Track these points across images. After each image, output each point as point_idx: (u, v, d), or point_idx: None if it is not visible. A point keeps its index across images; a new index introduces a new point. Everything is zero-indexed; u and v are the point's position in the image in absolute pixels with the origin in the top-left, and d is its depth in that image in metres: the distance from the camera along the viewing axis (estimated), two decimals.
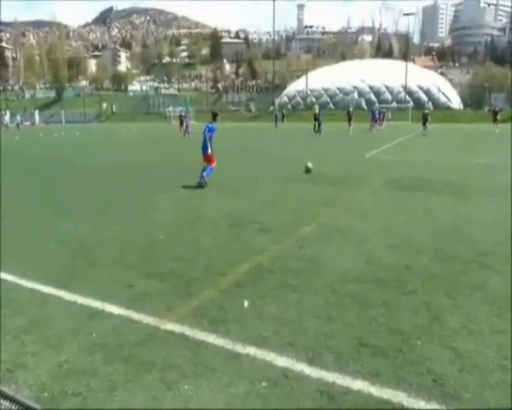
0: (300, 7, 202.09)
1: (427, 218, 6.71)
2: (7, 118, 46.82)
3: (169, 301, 3.96)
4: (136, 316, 3.67)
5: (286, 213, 7.16)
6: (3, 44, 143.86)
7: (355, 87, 57.00)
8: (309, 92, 58.88)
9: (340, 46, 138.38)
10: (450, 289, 4.03)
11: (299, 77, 73.22)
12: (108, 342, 3.28)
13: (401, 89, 52.25)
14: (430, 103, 52.55)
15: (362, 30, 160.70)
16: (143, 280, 4.45)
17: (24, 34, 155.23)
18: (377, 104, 43.76)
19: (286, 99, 62.89)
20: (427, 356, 2.98)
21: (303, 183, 10.07)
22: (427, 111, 29.21)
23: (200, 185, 9.53)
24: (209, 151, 9.65)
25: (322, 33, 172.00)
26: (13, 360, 3.07)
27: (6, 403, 2.58)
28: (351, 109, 28.80)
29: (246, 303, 3.82)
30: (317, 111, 28.82)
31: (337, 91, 57.98)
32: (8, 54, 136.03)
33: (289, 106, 60.41)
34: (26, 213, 7.62)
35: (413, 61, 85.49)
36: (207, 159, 9.69)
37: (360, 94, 56.04)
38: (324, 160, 14.27)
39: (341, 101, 52.21)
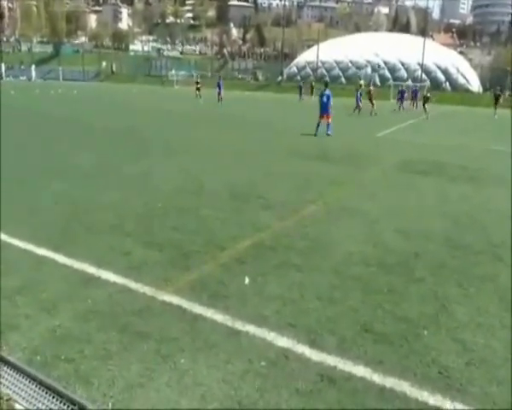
0: None
1: (438, 204, 6.65)
2: (1, 70, 46.07)
3: (167, 271, 3.95)
4: (133, 285, 3.66)
5: (291, 190, 7.09)
6: None
7: (368, 61, 55.85)
8: (320, 64, 57.73)
9: (355, 17, 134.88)
10: (460, 279, 4.01)
11: (309, 47, 71.63)
12: (104, 309, 3.28)
13: (417, 66, 51.21)
14: (447, 83, 51.67)
15: (378, 1, 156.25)
16: (141, 249, 4.42)
17: None
18: (410, 82, 41.51)
19: (295, 69, 61.73)
20: (433, 347, 2.98)
21: (310, 159, 9.96)
22: (428, 94, 27.02)
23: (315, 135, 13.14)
24: (330, 111, 13.58)
25: (337, 2, 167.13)
26: (5, 321, 3.07)
27: None
28: (372, 87, 25.67)
29: (246, 280, 3.80)
30: (363, 83, 25.37)
31: (349, 65, 56.84)
32: (4, 3, 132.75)
33: (298, 77, 59.33)
34: (21, 173, 7.55)
35: (431, 37, 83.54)
36: (326, 117, 13.54)
37: (374, 69, 54.96)
38: (333, 137, 14.07)
39: (354, 75, 51.18)
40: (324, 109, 13.61)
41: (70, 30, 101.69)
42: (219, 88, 27.75)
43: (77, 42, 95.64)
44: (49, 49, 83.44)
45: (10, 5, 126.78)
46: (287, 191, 6.97)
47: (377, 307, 3.47)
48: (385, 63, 54.86)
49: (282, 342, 2.98)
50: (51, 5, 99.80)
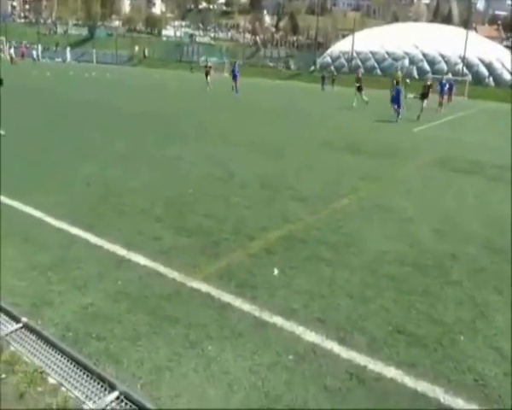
0: None
1: (477, 204, 6.42)
2: (37, 52, 47.70)
3: (196, 258, 3.98)
4: (162, 269, 3.72)
5: (323, 183, 7.00)
6: None
7: (406, 53, 54.17)
8: (355, 55, 56.53)
9: (393, 6, 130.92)
10: (500, 285, 3.86)
11: (344, 36, 70.19)
12: (134, 291, 3.35)
13: (459, 60, 49.33)
14: (491, 79, 49.60)
15: None
16: (170, 234, 4.48)
17: None
18: (450, 75, 39.19)
19: (329, 59, 60.65)
20: (469, 353, 2.89)
21: (343, 152, 9.81)
22: (429, 83, 23.64)
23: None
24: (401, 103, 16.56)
25: None
26: (39, 295, 3.18)
27: (33, 337, 2.70)
28: (429, 83, 21.56)
29: (276, 271, 3.79)
30: (399, 77, 22.99)
31: (386, 56, 55.32)
32: None
33: (332, 67, 58.27)
34: (55, 154, 7.78)
35: (475, 29, 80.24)
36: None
37: (412, 61, 53.26)
38: (368, 131, 13.81)
39: (390, 67, 49.86)
40: (397, 102, 16.67)
41: (104, 14, 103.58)
42: (235, 76, 24.50)
43: (111, 26, 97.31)
44: (84, 32, 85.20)
45: None
46: (318, 184, 6.89)
47: (411, 308, 3.39)
48: (424, 55, 53.16)
49: (311, 336, 2.96)
50: None
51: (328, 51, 63.31)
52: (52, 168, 6.75)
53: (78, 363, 2.50)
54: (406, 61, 53.49)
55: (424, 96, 18.46)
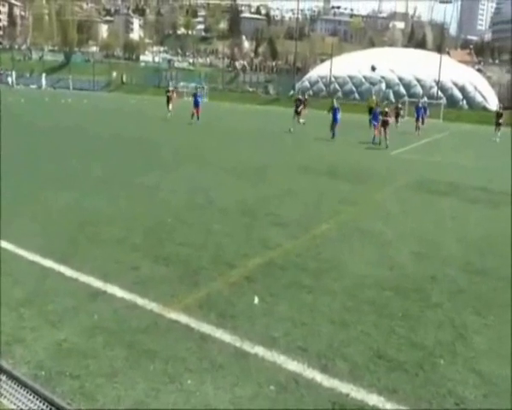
0: None
1: (455, 226, 6.61)
2: (12, 78, 47.51)
3: (175, 288, 3.97)
4: (139, 301, 3.69)
5: (302, 208, 7.11)
6: (12, 1, 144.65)
7: (383, 77, 56.12)
8: (333, 79, 58.19)
9: (369, 31, 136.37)
10: (479, 306, 3.96)
11: (322, 61, 72.31)
12: (110, 325, 3.30)
13: (433, 83, 51.35)
14: (464, 101, 51.64)
15: (394, 15, 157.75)
16: (148, 263, 4.46)
17: None
18: (425, 99, 40.57)
19: (307, 84, 62.21)
20: (449, 377, 2.94)
21: (321, 176, 10.00)
22: (400, 105, 25.86)
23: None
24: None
25: (351, 16, 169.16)
26: (11, 332, 3.11)
27: (3, 377, 2.63)
28: (400, 105, 25.86)
29: (256, 300, 3.81)
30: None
31: (363, 80, 57.19)
32: (17, 11, 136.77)
33: (310, 91, 59.73)
34: (30, 182, 7.69)
35: (448, 53, 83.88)
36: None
37: (388, 85, 55.20)
38: (345, 154, 14.13)
39: (367, 91, 51.44)
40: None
41: (81, 39, 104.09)
42: (196, 102, 21.25)
43: (88, 51, 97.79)
44: (60, 57, 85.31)
45: (23, 13, 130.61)
46: (297, 208, 6.99)
47: (391, 332, 3.45)
48: (400, 79, 55.16)
49: (292, 365, 2.97)
50: (63, 14, 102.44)
51: (307, 76, 65.00)
52: (26, 197, 6.66)
53: (50, 403, 2.45)
54: (383, 85, 55.34)
55: (384, 123, 16.69)
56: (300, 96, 22.29)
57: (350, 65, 59.84)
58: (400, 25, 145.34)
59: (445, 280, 4.51)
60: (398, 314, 3.73)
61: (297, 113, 20.37)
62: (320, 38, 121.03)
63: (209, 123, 22.37)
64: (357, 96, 54.07)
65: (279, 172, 10.26)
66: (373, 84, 55.10)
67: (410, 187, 9.45)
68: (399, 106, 25.98)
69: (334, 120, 17.81)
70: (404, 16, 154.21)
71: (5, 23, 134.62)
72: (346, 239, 5.66)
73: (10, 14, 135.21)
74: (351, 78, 58.44)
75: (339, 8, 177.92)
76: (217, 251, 4.93)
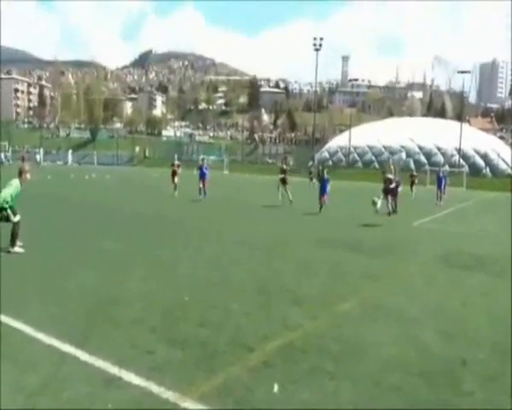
0: (345, 58, 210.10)
1: (485, 303, 6.44)
2: (39, 156, 50.79)
3: (191, 374, 3.95)
4: (155, 388, 3.67)
5: (321, 284, 7.08)
6: (43, 83, 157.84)
7: (403, 146, 57.33)
8: (352, 149, 59.69)
9: (388, 101, 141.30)
10: None
11: (341, 132, 74.73)
12: None
13: (455, 152, 52.00)
14: (488, 169, 51.77)
15: (412, 85, 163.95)
16: (164, 347, 4.47)
17: (63, 73, 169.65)
18: (447, 167, 40.46)
19: (327, 154, 63.95)
20: None
21: (341, 250, 10.00)
22: (415, 173, 26.53)
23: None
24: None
25: (368, 87, 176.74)
26: None
27: None
28: (415, 173, 26.54)
29: (276, 387, 3.74)
30: (325, 175, 20.34)
31: (383, 150, 58.43)
32: (47, 92, 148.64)
33: (330, 162, 61.23)
34: (48, 260, 7.96)
35: (468, 122, 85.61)
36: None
37: (408, 154, 56.18)
38: (366, 225, 14.15)
39: (387, 160, 52.34)
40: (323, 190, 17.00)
41: (106, 116, 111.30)
42: (203, 174, 20.02)
43: (112, 128, 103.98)
44: (86, 134, 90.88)
45: (52, 94, 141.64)
46: (317, 285, 6.97)
47: None
48: (420, 148, 56.13)
49: None
50: (90, 93, 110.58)
51: (326, 146, 66.99)
52: (47, 275, 6.87)
53: None
54: (403, 155, 56.27)
55: (387, 191, 15.61)
56: (285, 166, 20.62)
57: (369, 135, 61.61)
58: (418, 94, 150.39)
59: (477, 364, 4.34)
60: (428, 404, 3.59)
61: (283, 182, 19.47)
62: (338, 110, 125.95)
63: (225, 195, 22.97)
64: (376, 165, 54.95)
65: (294, 246, 10.32)
66: (393, 153, 56.18)
67: (435, 260, 9.33)
68: (414, 174, 26.33)
69: (323, 190, 16.85)
70: (422, 86, 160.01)
71: (35, 103, 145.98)
72: (369, 318, 5.56)
73: (41, 95, 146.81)
74: (370, 147, 59.86)
75: (356, 80, 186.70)
76: (235, 333, 4.91)
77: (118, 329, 4.90)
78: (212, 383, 3.80)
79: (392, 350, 4.60)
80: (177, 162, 23.19)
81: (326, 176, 17.40)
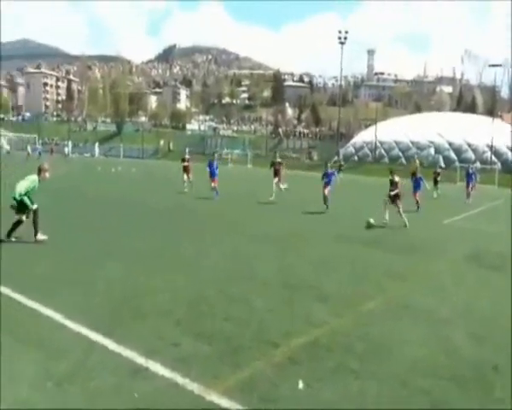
0: (371, 52, 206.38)
1: None
2: (68, 148, 52.17)
3: (216, 367, 3.98)
4: (180, 380, 3.72)
5: (346, 281, 7.02)
6: (71, 77, 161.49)
7: (431, 142, 55.97)
8: (378, 144, 58.72)
9: (415, 96, 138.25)
10: None
11: (367, 126, 73.58)
12: (149, 405, 3.34)
13: (486, 148, 50.46)
14: None
15: (440, 80, 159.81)
16: (190, 340, 4.52)
17: (90, 68, 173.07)
18: (478, 164, 38.93)
19: (352, 149, 63.10)
20: None
21: (366, 247, 9.86)
22: (438, 170, 24.98)
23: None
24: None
25: (395, 81, 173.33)
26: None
27: None
28: (439, 170, 25.18)
29: (300, 384, 3.73)
30: (417, 167, 22.55)
31: (410, 145, 57.22)
32: (75, 86, 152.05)
33: (355, 157, 60.45)
34: (77, 252, 8.15)
35: (501, 117, 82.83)
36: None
37: (437, 150, 54.81)
38: (392, 223, 13.93)
39: (415, 156, 51.29)
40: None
41: (132, 110, 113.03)
42: (212, 173, 18.18)
43: (137, 121, 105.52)
44: (113, 128, 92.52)
45: (79, 88, 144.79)
46: (342, 282, 6.91)
47: None
48: (449, 144, 54.74)
49: None
50: (116, 87, 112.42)
51: (352, 141, 66.04)
52: (74, 266, 7.05)
53: None
54: (432, 150, 54.99)
55: (391, 198, 13.00)
56: (279, 159, 18.82)
57: (396, 130, 60.38)
58: (448, 89, 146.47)
59: (509, 370, 4.21)
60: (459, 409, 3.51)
61: (276, 175, 17.93)
62: (364, 104, 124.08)
63: (243, 191, 22.99)
64: (403, 161, 53.87)
65: (315, 241, 10.25)
66: (421, 149, 54.98)
67: (465, 259, 9.10)
68: (438, 171, 25.17)
69: (327, 183, 15.58)
70: (451, 80, 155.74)
71: (64, 97, 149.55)
72: (396, 317, 5.48)
73: (68, 89, 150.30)
74: (397, 143, 58.69)
75: (382, 73, 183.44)
76: (259, 328, 4.92)
77: (144, 321, 4.98)
78: (237, 378, 3.83)
79: (420, 351, 4.52)
80: (187, 156, 20.92)
81: (330, 170, 16.37)
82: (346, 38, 57.93)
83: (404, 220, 12.65)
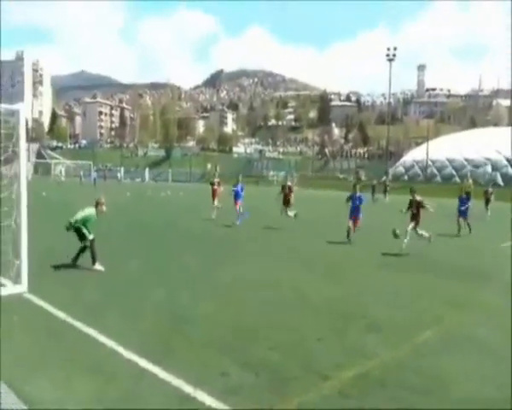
0: (421, 68, 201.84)
1: None
2: (120, 174, 54.84)
3: (264, 399, 3.94)
4: None
5: (399, 310, 6.76)
6: (123, 105, 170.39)
7: (488, 159, 53.46)
8: (430, 163, 56.85)
9: (470, 111, 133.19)
10: None
11: (417, 145, 71.60)
12: None
13: None
14: None
15: (497, 92, 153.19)
16: (237, 369, 4.52)
17: (141, 95, 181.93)
18: None
19: (402, 169, 61.54)
20: None
21: (419, 273, 9.47)
22: (490, 189, 23.30)
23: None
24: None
25: (448, 96, 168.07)
26: None
27: None
28: (491, 189, 23.88)
29: None
30: (470, 186, 23.34)
31: (465, 163, 54.92)
32: (127, 114, 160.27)
33: (405, 177, 58.86)
34: (126, 277, 8.44)
35: None
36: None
37: (495, 167, 52.22)
38: (446, 247, 13.33)
39: (470, 174, 49.13)
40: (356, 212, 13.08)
41: (180, 135, 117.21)
42: (237, 195, 16.88)
43: (186, 146, 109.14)
44: (162, 153, 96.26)
45: (132, 115, 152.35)
46: (394, 311, 6.66)
47: None
48: (508, 160, 51.97)
49: None
50: (165, 113, 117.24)
51: (401, 160, 64.51)
52: (126, 293, 7.29)
53: None
54: (488, 168, 52.46)
55: (413, 217, 11.84)
56: (289, 183, 17.22)
57: (449, 147, 58.35)
58: (505, 102, 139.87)
59: None
60: None
61: (286, 202, 16.27)
62: (414, 122, 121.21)
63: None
64: (457, 179, 51.71)
65: (361, 268, 9.96)
66: (476, 166, 52.61)
67: None
68: (489, 190, 23.56)
69: (353, 211, 13.05)
70: (508, 93, 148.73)
71: (117, 125, 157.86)
72: (454, 350, 5.19)
73: (121, 117, 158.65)
74: (450, 161, 56.57)
75: (434, 89, 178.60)
76: (308, 358, 4.84)
77: (191, 348, 5.04)
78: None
79: (483, 389, 4.24)
80: (217, 180, 19.19)
81: (358, 193, 13.27)
82: (394, 55, 57.32)
83: (423, 235, 11.79)
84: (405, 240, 11.52)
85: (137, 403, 3.82)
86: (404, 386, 4.24)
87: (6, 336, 5.23)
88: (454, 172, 55.03)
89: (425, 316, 6.48)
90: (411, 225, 11.78)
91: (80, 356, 4.74)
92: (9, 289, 6.90)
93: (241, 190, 17.04)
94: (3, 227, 6.86)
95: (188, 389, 4.07)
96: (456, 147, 57.24)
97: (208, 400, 3.89)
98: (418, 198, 11.90)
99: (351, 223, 12.97)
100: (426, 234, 11.89)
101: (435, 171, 56.93)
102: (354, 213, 13.01)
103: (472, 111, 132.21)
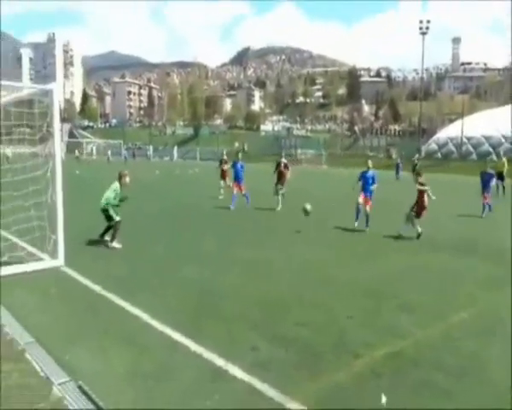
0: (456, 40, 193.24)
1: None
2: (149, 152, 55.61)
3: (294, 374, 3.97)
4: (258, 385, 3.76)
5: (433, 290, 6.61)
6: (151, 84, 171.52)
7: None
8: (465, 140, 54.84)
9: (508, 85, 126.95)
10: None
11: (452, 121, 69.07)
12: (230, 408, 3.42)
13: None
14: None
15: None
16: (266, 344, 4.55)
17: (168, 74, 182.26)
18: None
19: (435, 146, 59.63)
20: None
21: (451, 254, 9.21)
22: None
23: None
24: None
25: (484, 70, 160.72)
26: (140, 406, 3.41)
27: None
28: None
29: (383, 399, 3.59)
30: (504, 165, 21.51)
31: (502, 140, 52.67)
32: (155, 93, 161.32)
33: (439, 154, 57.11)
34: (159, 254, 8.58)
35: None
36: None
37: None
38: (485, 226, 12.92)
39: (509, 151, 47.07)
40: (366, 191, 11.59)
41: (208, 113, 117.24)
42: (238, 178, 15.67)
43: (213, 124, 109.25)
44: (190, 131, 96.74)
45: (159, 94, 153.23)
46: (428, 292, 6.52)
47: None
48: None
49: None
50: (193, 92, 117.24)
51: (434, 138, 62.48)
52: (157, 269, 7.43)
53: None
54: None
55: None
56: (284, 159, 16.06)
57: (485, 123, 55.94)
58: None
59: None
60: None
61: (279, 180, 15.38)
62: (448, 97, 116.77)
63: (318, 193, 22.56)
64: (495, 157, 49.69)
65: (394, 247, 9.76)
66: None
67: None
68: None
69: (366, 188, 11.60)
70: None
71: (145, 104, 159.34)
72: (490, 332, 5.05)
73: (150, 96, 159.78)
74: (487, 138, 54.36)
75: (470, 63, 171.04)
76: (339, 336, 4.82)
77: (221, 323, 5.10)
78: (316, 386, 3.80)
79: None
80: (225, 158, 18.54)
81: (370, 171, 11.76)
82: (427, 28, 54.99)
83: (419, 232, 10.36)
84: (418, 227, 10.38)
85: (171, 374, 3.91)
86: (439, 367, 4.15)
87: (46, 307, 5.44)
88: (491, 150, 52.89)
89: (459, 297, 6.32)
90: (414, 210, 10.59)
91: (115, 328, 4.88)
92: (47, 263, 7.17)
93: (241, 168, 15.71)
94: (39, 204, 7.09)
95: (219, 362, 4.13)
96: (494, 123, 54.83)
97: (239, 373, 3.94)
98: (420, 180, 10.72)
99: (361, 199, 11.51)
100: (419, 229, 10.43)
101: (471, 148, 54.86)
102: (365, 192, 11.61)
103: (510, 85, 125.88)
